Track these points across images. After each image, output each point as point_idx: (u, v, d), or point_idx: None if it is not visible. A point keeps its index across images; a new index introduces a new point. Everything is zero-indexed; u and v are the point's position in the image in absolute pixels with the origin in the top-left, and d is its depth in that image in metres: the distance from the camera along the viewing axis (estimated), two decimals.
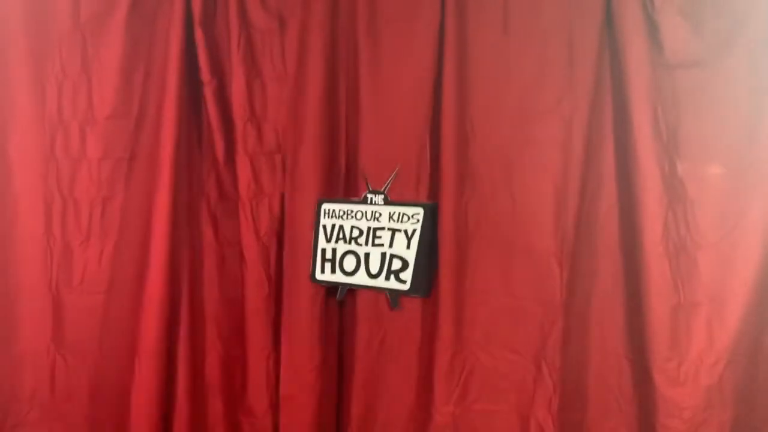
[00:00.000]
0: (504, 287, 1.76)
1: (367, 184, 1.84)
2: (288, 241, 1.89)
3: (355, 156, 1.87)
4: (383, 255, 1.81)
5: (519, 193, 1.74)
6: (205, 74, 1.88)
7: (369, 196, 1.84)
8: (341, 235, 1.85)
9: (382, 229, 1.81)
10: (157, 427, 1.88)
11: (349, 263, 1.84)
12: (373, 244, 1.82)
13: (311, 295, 1.86)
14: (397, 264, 1.79)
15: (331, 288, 1.88)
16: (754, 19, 1.56)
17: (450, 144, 1.73)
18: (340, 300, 1.88)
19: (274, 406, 1.94)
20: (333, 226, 1.85)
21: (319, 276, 1.86)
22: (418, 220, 1.76)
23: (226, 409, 1.99)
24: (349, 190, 1.89)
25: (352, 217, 1.84)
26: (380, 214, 1.82)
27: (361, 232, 1.83)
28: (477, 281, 1.77)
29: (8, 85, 1.87)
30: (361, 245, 1.83)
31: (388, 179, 1.81)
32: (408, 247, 1.78)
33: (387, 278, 1.80)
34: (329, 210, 1.86)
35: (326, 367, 1.90)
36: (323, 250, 1.86)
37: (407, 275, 1.78)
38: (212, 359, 1.98)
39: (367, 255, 1.83)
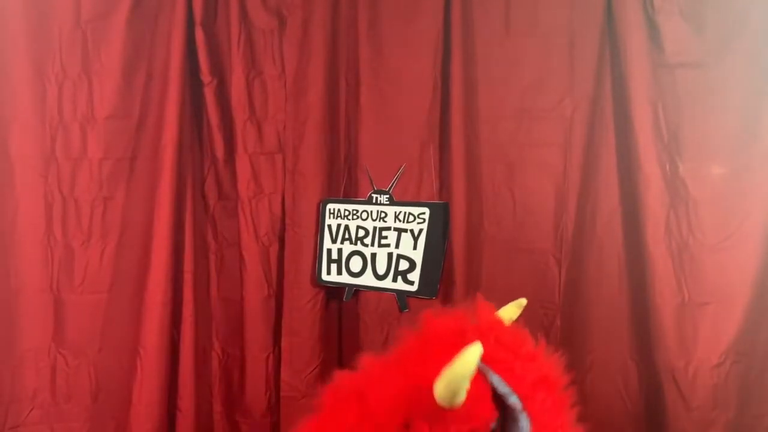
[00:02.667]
0: (505, 286, 1.76)
1: (371, 183, 1.84)
2: (289, 241, 1.88)
3: (356, 155, 1.87)
4: (390, 255, 1.80)
5: (519, 193, 1.75)
6: (206, 75, 1.88)
7: (374, 195, 1.83)
8: (347, 236, 1.84)
9: (388, 229, 1.81)
10: (159, 427, 1.87)
11: (356, 264, 1.84)
12: (380, 245, 1.82)
13: (312, 296, 1.86)
14: (404, 265, 1.79)
15: (332, 288, 1.88)
16: (754, 20, 1.58)
17: (460, 143, 1.74)
18: (346, 301, 1.87)
19: (272, 408, 1.94)
20: (338, 227, 1.85)
21: (325, 277, 1.86)
22: (424, 220, 1.76)
23: (225, 410, 1.99)
24: (349, 190, 1.89)
25: (358, 217, 1.84)
26: (386, 214, 1.81)
27: (367, 233, 1.83)
28: (482, 280, 1.78)
29: (9, 85, 1.86)
30: (367, 246, 1.83)
31: (392, 179, 1.81)
32: (415, 247, 1.77)
33: (394, 279, 1.80)
34: (334, 210, 1.85)
35: (327, 368, 1.89)
36: (329, 251, 1.86)
37: (415, 276, 1.77)
38: (212, 359, 1.98)
39: (373, 255, 1.82)
